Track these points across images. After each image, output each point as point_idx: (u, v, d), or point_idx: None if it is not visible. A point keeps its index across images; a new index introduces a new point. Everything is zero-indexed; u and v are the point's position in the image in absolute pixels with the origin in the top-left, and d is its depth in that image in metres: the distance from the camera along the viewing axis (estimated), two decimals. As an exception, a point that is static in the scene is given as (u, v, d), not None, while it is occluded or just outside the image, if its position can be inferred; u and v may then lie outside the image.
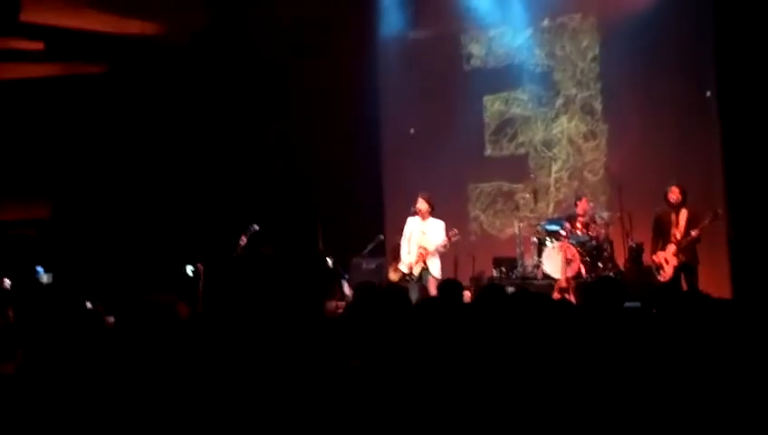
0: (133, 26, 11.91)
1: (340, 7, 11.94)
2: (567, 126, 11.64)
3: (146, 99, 11.97)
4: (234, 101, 12.35)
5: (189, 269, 10.52)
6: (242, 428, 2.08)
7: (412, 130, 12.47)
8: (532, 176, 11.45)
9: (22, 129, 11.47)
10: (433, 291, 8.71)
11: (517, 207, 11.31)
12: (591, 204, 10.39)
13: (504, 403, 2.21)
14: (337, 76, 11.86)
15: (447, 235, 9.16)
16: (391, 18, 12.57)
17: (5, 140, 11.37)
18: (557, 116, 11.70)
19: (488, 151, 12.18)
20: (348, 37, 12.09)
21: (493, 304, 3.11)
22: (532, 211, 11.37)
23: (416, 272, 9.17)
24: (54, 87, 11.60)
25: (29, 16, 10.94)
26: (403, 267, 9.31)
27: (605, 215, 10.39)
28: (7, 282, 9.36)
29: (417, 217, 9.33)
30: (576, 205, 10.22)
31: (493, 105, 12.13)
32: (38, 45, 11.43)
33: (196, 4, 12.14)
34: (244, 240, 10.18)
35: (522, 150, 11.93)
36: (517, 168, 11.79)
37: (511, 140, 12.03)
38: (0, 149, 11.33)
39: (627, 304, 3.94)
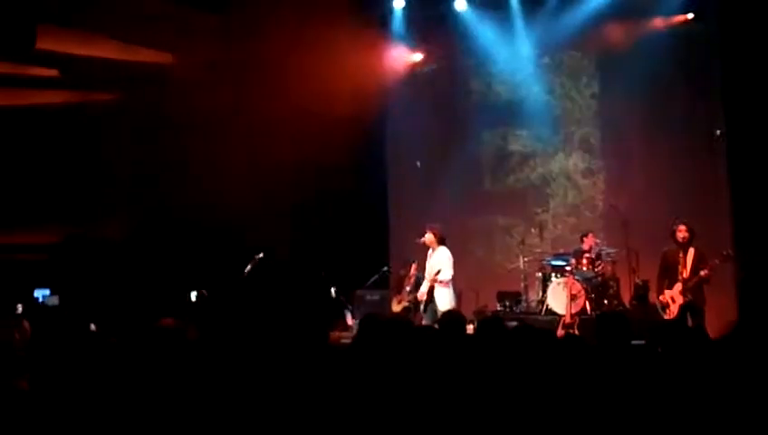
0: (146, 55, 12.05)
1: (347, 34, 12.08)
2: (565, 162, 11.75)
3: (157, 126, 12.06)
4: (243, 129, 12.42)
5: (194, 295, 10.56)
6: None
7: (419, 163, 12.52)
8: (538, 211, 11.49)
9: (34, 154, 11.58)
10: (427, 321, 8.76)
11: (522, 242, 11.32)
12: (598, 240, 10.40)
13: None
14: (343, 105, 11.95)
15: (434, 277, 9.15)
16: (398, 51, 12.66)
17: (19, 165, 11.47)
18: (556, 152, 11.82)
19: (487, 186, 12.27)
20: (356, 67, 12.21)
21: (494, 337, 3.12)
22: (538, 247, 11.39)
23: (421, 301, 9.20)
24: (68, 114, 11.72)
25: (45, 44, 11.09)
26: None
27: (611, 251, 10.38)
28: (19, 307, 9.49)
29: (430, 249, 9.39)
30: (582, 241, 10.22)
31: (492, 140, 12.25)
32: (53, 73, 11.58)
33: (207, 36, 12.27)
34: (249, 268, 10.24)
35: (520, 186, 12.03)
36: (516, 203, 11.88)
37: (509, 176, 12.13)
38: (13, 174, 11.42)
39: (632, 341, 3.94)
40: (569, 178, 11.70)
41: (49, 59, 11.41)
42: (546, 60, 11.88)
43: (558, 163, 11.78)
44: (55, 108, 11.80)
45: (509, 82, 12.09)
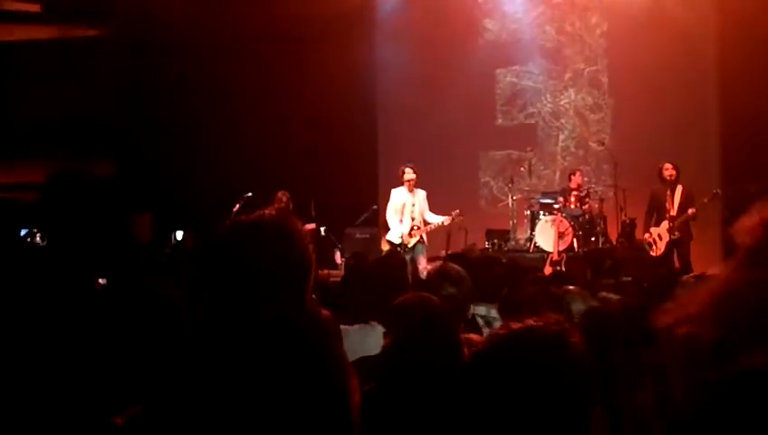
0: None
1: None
2: (575, 98, 11.94)
3: (144, 61, 11.90)
4: (230, 71, 12.28)
5: (179, 234, 10.55)
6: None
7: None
8: (529, 149, 11.53)
9: (17, 91, 11.41)
10: (423, 264, 8.77)
11: (511, 181, 11.37)
12: (586, 178, 10.44)
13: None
14: (336, 43, 11.82)
15: (451, 214, 9.17)
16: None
17: (2, 102, 11.33)
18: (565, 88, 12.00)
19: (499, 121, 12.40)
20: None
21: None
22: (527, 184, 11.50)
23: (410, 244, 9.15)
24: (51, 50, 11.52)
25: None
26: (393, 238, 9.25)
27: (599, 190, 10.44)
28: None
29: (402, 187, 9.29)
30: (570, 179, 10.26)
31: (505, 78, 12.40)
32: (34, 7, 11.34)
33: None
34: (237, 207, 10.22)
35: (531, 121, 12.19)
36: (527, 137, 12.01)
37: (521, 111, 12.28)
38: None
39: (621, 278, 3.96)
40: (578, 112, 11.94)
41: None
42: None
43: (567, 99, 11.99)
44: (38, 43, 11.58)
45: (521, 21, 12.24)
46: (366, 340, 2.98)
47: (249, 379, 1.34)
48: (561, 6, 12.01)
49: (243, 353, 1.36)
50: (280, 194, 10.29)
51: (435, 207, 9.31)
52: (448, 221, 9.19)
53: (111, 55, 11.85)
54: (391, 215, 9.31)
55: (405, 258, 8.45)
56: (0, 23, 11.33)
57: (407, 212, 9.24)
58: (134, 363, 1.96)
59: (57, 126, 11.62)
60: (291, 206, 10.22)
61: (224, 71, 12.26)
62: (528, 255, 10.15)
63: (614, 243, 10.06)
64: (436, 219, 9.17)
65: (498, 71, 12.44)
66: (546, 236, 9.82)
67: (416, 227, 9.11)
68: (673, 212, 8.79)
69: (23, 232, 10.60)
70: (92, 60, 11.76)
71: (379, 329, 2.76)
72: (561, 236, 9.56)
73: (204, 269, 1.95)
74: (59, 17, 11.69)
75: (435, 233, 9.37)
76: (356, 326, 3.13)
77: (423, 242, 9.13)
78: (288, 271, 1.83)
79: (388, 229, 9.57)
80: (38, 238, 10.59)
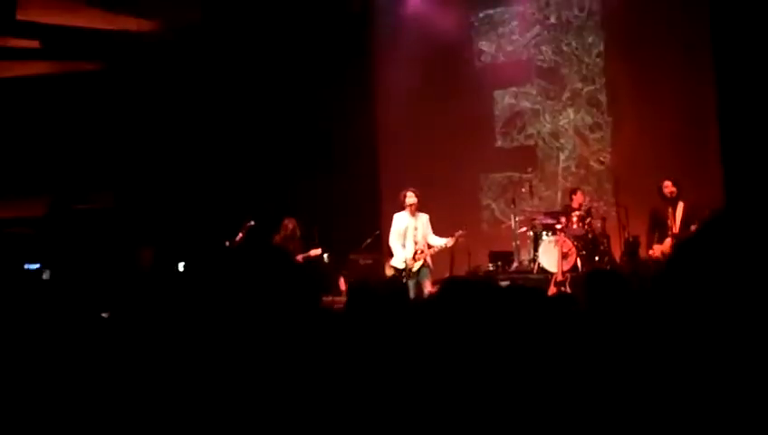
0: (128, 23, 11.90)
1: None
2: (574, 118, 11.96)
3: (141, 95, 11.97)
4: (228, 96, 12.35)
5: (182, 266, 10.52)
6: (237, 428, 2.08)
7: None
8: (529, 170, 11.53)
9: (17, 127, 11.47)
10: (429, 288, 8.72)
11: (513, 202, 11.36)
12: (587, 197, 10.44)
13: (503, 404, 2.22)
14: (334, 68, 11.91)
15: (454, 235, 9.13)
16: (402, 13, 12.86)
17: (2, 138, 11.37)
18: (564, 108, 12.03)
19: (499, 143, 12.44)
20: (351, 26, 12.22)
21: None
22: (529, 205, 11.49)
23: (414, 268, 9.08)
24: (51, 85, 11.59)
25: (25, 15, 10.93)
26: (398, 263, 9.20)
27: (601, 208, 10.44)
28: None
29: (404, 212, 9.26)
30: (571, 198, 10.25)
31: (503, 99, 12.46)
32: (34, 44, 11.43)
33: (191, 1, 12.13)
34: (240, 235, 10.22)
35: (531, 142, 12.22)
36: (527, 158, 12.04)
37: (520, 132, 12.34)
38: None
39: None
40: (578, 132, 11.92)
41: (30, 29, 11.26)
42: (553, 20, 12.11)
43: (566, 118, 12.00)
44: (37, 79, 11.65)
45: (517, 42, 12.35)
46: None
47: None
48: (556, 27, 12.07)
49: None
50: (286, 221, 10.25)
51: (437, 231, 9.28)
52: (452, 243, 9.15)
53: (109, 89, 11.92)
54: (394, 240, 9.24)
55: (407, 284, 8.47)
56: (0, 59, 11.40)
57: (409, 236, 9.17)
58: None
59: (56, 159, 11.66)
60: (298, 232, 10.18)
61: (222, 101, 12.33)
62: (532, 275, 10.12)
63: (618, 261, 10.04)
64: (439, 242, 9.12)
65: (496, 92, 12.49)
66: (550, 256, 9.78)
67: (420, 251, 9.06)
68: (675, 229, 8.77)
69: (29, 266, 10.58)
70: (90, 94, 11.83)
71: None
72: (564, 256, 9.52)
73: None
74: (57, 53, 11.77)
75: (438, 256, 9.33)
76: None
77: (428, 265, 9.07)
78: None
79: (392, 255, 9.52)
80: (45, 274, 10.58)
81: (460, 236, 9.13)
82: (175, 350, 2.24)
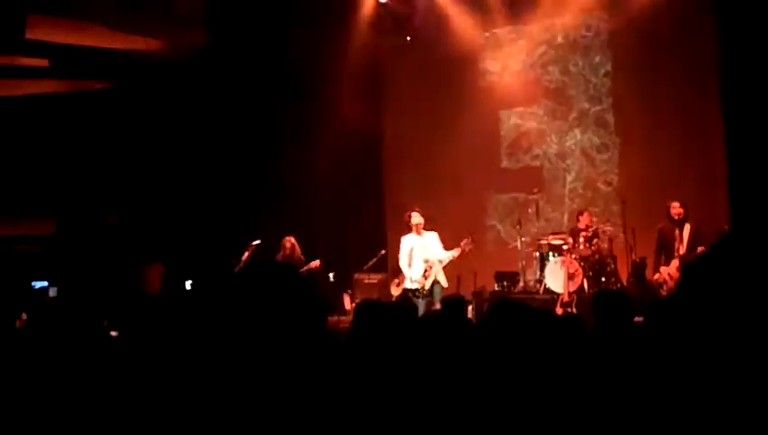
0: (136, 43, 11.98)
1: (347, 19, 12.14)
2: (580, 138, 11.91)
3: (149, 114, 12.02)
4: (237, 116, 12.40)
5: (188, 284, 10.52)
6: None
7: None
8: (536, 191, 11.50)
9: (26, 144, 11.52)
10: (437, 306, 8.72)
11: (519, 223, 11.35)
12: (595, 219, 10.42)
13: (509, 420, 2.21)
14: (340, 90, 11.95)
15: (461, 244, 9.13)
16: (408, 32, 12.88)
17: (11, 156, 11.41)
18: (571, 129, 11.99)
19: (504, 163, 12.42)
20: (357, 47, 12.28)
21: (505, 322, 3.07)
22: (535, 226, 11.44)
23: (426, 286, 9.11)
24: (59, 104, 11.66)
25: (34, 34, 11.01)
26: (410, 283, 9.24)
27: (608, 229, 10.41)
28: None
29: (411, 234, 9.31)
30: (578, 219, 10.23)
31: (509, 119, 12.42)
32: (43, 63, 11.50)
33: (197, 22, 12.21)
34: (246, 255, 10.22)
35: (537, 163, 12.18)
36: (533, 179, 12.02)
37: (526, 153, 12.30)
38: (5, 166, 11.36)
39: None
40: (584, 153, 11.89)
41: (39, 48, 11.33)
42: (560, 40, 12.08)
43: (573, 139, 11.97)
44: (46, 97, 11.72)
45: (524, 62, 12.31)
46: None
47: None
48: (563, 46, 12.06)
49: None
50: (284, 240, 10.30)
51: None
52: (458, 253, 9.15)
53: (117, 108, 11.98)
54: (404, 263, 9.31)
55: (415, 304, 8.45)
56: (9, 78, 11.47)
57: (417, 255, 9.22)
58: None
59: (64, 177, 11.70)
60: (297, 250, 10.21)
61: (230, 120, 12.38)
62: (538, 296, 10.08)
63: (625, 283, 10.00)
64: (446, 255, 9.14)
65: (502, 112, 12.47)
66: (556, 277, 9.75)
67: (429, 268, 9.10)
68: (682, 250, 8.74)
69: (37, 284, 10.59)
70: (99, 112, 11.89)
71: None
72: (571, 277, 9.49)
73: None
74: (66, 72, 11.85)
75: (445, 276, 9.32)
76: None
77: (439, 283, 9.10)
78: None
79: (397, 274, 9.58)
80: (51, 292, 10.59)
81: (466, 244, 9.14)
82: (183, 368, 2.23)
